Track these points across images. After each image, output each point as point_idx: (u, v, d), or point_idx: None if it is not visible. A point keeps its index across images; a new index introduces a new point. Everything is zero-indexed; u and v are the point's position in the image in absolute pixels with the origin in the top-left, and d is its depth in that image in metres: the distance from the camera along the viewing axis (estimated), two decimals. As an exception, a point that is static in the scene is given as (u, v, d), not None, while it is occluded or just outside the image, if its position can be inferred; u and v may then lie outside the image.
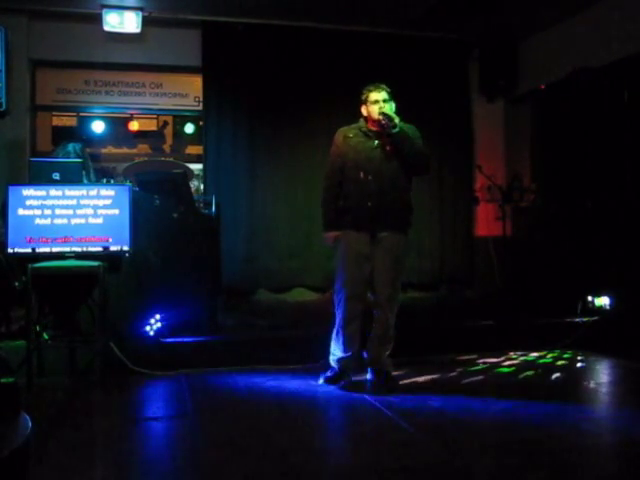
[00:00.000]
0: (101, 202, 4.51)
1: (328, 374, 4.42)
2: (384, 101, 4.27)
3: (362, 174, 4.23)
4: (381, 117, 4.20)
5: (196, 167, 7.76)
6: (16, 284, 4.77)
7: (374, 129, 4.32)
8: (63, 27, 6.81)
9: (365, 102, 4.33)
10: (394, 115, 4.22)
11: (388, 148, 4.25)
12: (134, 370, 4.55)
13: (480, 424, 3.60)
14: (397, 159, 4.25)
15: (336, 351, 4.39)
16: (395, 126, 4.17)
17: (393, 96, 4.34)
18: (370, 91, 4.31)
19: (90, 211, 4.49)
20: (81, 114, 8.53)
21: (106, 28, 6.50)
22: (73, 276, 4.42)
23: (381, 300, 4.29)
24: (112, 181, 5.85)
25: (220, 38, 7.06)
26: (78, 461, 3.06)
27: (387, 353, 4.34)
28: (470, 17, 6.90)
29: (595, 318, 5.66)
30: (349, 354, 4.35)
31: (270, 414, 3.80)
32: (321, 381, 4.41)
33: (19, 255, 4.42)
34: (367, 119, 4.36)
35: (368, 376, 4.43)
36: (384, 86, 4.33)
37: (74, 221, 4.46)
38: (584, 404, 3.97)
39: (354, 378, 4.40)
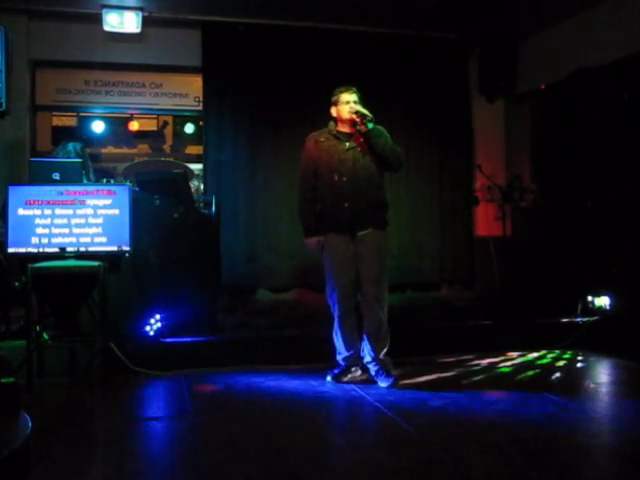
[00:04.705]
0: (101, 202, 4.51)
1: (335, 371, 4.48)
2: (355, 102, 4.32)
3: (336, 176, 4.29)
4: (355, 115, 4.27)
5: (196, 167, 7.76)
6: (16, 284, 4.77)
7: (344, 131, 4.39)
8: (63, 27, 6.80)
9: (336, 103, 4.38)
10: (367, 112, 4.27)
11: (359, 149, 4.32)
12: (134, 370, 4.55)
13: (480, 424, 3.60)
14: (370, 157, 4.32)
15: (340, 349, 4.46)
16: (371, 120, 4.24)
17: (362, 99, 4.38)
18: (341, 92, 4.36)
19: (90, 211, 4.49)
20: (81, 114, 8.52)
21: (106, 28, 6.50)
22: (73, 276, 4.42)
23: (369, 298, 4.34)
24: (112, 181, 5.85)
25: (220, 38, 7.06)
26: (78, 461, 3.06)
27: (384, 350, 4.36)
28: (470, 17, 6.90)
29: (595, 318, 5.66)
30: (352, 352, 4.44)
31: (270, 414, 3.80)
32: (329, 378, 4.46)
33: (19, 255, 4.42)
34: (337, 121, 4.41)
35: (367, 375, 4.45)
36: (355, 89, 4.38)
37: (74, 221, 4.46)
38: (584, 404, 3.96)
39: (359, 374, 4.48)
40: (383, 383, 4.30)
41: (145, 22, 6.58)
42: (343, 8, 6.66)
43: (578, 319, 5.67)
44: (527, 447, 3.24)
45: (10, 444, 2.04)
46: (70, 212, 4.46)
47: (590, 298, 5.86)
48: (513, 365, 4.98)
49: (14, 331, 4.88)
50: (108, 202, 4.52)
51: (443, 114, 7.63)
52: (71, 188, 4.52)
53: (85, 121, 8.65)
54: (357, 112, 4.27)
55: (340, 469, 3.05)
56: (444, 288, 7.72)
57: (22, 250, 4.39)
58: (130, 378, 4.49)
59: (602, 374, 4.93)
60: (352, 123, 4.33)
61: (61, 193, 4.47)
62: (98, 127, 8.48)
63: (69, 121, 9.02)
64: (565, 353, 5.31)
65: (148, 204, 5.08)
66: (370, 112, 4.29)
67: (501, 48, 7.56)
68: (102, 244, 4.49)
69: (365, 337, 4.39)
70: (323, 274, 4.49)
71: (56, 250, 4.43)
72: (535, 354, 5.26)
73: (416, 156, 7.50)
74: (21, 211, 4.40)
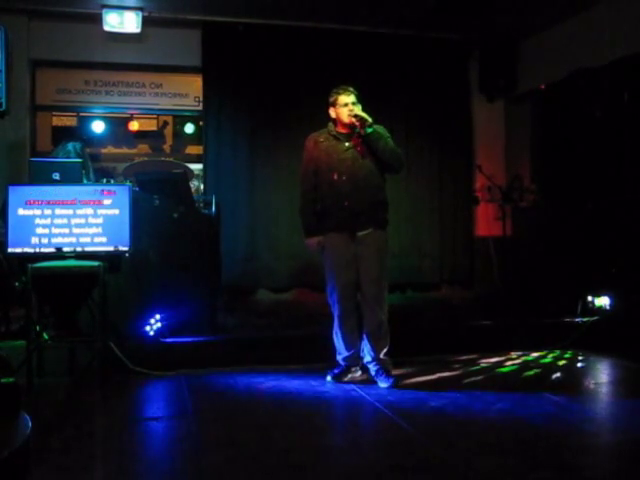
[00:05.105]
0: (101, 202, 4.51)
1: (335, 371, 4.48)
2: (353, 104, 4.31)
3: (336, 175, 4.29)
4: (354, 119, 4.27)
5: (196, 167, 7.76)
6: (16, 284, 4.77)
7: (343, 131, 4.38)
8: (63, 27, 6.81)
9: (334, 105, 4.38)
10: (367, 116, 4.26)
11: (359, 149, 4.31)
12: (134, 370, 4.55)
13: (480, 424, 3.60)
14: (370, 158, 4.32)
15: (340, 349, 4.46)
16: (370, 125, 4.23)
17: (360, 98, 4.38)
18: (339, 94, 4.36)
19: (90, 211, 4.49)
20: (81, 114, 8.53)
21: (106, 28, 6.50)
22: (73, 276, 4.42)
23: (368, 298, 4.34)
24: (112, 181, 5.85)
25: (220, 38, 7.06)
26: (78, 461, 3.06)
27: (384, 350, 4.36)
28: (470, 17, 6.90)
29: (595, 318, 5.66)
30: (352, 351, 4.44)
31: (270, 414, 3.81)
32: (329, 378, 4.46)
33: (19, 255, 4.42)
34: (336, 122, 4.41)
35: (367, 375, 4.45)
36: (352, 89, 4.38)
37: (74, 221, 4.46)
38: (584, 404, 3.96)
39: (359, 374, 4.49)
40: (383, 384, 4.30)
41: (145, 22, 6.58)
42: (343, 8, 6.66)
43: (578, 319, 5.67)
44: (527, 447, 3.24)
45: (10, 444, 2.04)
46: (70, 212, 4.46)
47: (590, 298, 5.85)
48: (513, 365, 4.98)
49: (14, 331, 4.88)
50: (108, 202, 4.52)
51: (443, 114, 7.63)
52: (71, 188, 4.52)
53: (85, 121, 8.65)
54: (356, 116, 4.27)
55: (340, 469, 3.05)
56: (444, 288, 7.72)
57: (22, 250, 4.39)
58: (130, 378, 4.48)
59: (602, 374, 4.93)
60: (351, 126, 4.33)
61: (61, 193, 4.47)
62: (98, 127, 8.48)
63: (69, 121, 9.02)
64: (565, 353, 5.31)
65: (148, 204, 5.09)
66: (369, 114, 4.29)
67: (501, 48, 7.56)
68: (102, 244, 4.49)
69: (365, 337, 4.39)
70: (323, 274, 4.49)
71: (56, 250, 4.42)
72: (535, 354, 5.26)
73: (416, 156, 7.51)
74: (21, 211, 4.40)
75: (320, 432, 3.57)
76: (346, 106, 4.30)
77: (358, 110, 4.29)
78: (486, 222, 7.67)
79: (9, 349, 4.40)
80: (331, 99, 4.39)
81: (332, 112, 4.41)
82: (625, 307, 5.65)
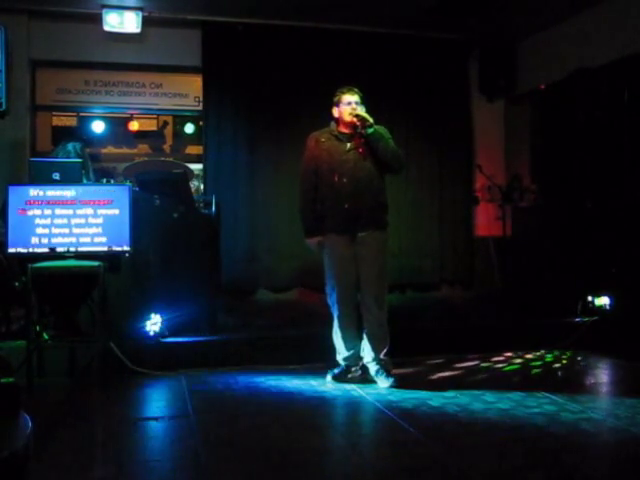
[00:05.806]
0: (101, 202, 4.51)
1: (335, 371, 4.49)
2: (356, 103, 4.32)
3: (336, 177, 4.29)
4: (355, 119, 4.27)
5: (196, 167, 7.75)
6: (16, 284, 4.77)
7: (345, 132, 4.38)
8: (63, 27, 6.80)
9: (337, 104, 4.39)
10: (368, 116, 4.26)
11: (361, 150, 4.31)
12: (134, 370, 4.55)
13: (480, 424, 3.60)
14: (371, 160, 4.32)
15: (340, 349, 4.47)
16: (371, 126, 4.24)
17: (364, 99, 4.40)
18: (343, 93, 4.37)
19: (90, 211, 4.49)
20: (81, 114, 8.53)
21: (106, 28, 6.50)
22: (73, 276, 4.42)
23: (368, 299, 4.35)
24: (112, 181, 5.85)
25: (220, 38, 7.06)
26: (78, 461, 3.06)
27: (385, 350, 4.36)
28: (470, 17, 6.90)
29: (595, 318, 5.66)
30: (352, 351, 4.45)
31: (270, 414, 3.80)
32: (329, 378, 4.46)
33: (19, 255, 4.42)
34: (338, 121, 4.42)
35: (367, 375, 4.45)
36: (357, 90, 4.39)
37: (74, 221, 4.46)
38: (584, 404, 3.96)
39: (359, 374, 4.49)
40: (383, 383, 4.30)
41: (145, 22, 6.57)
42: (343, 8, 6.66)
43: (578, 319, 5.67)
44: (527, 447, 3.24)
45: (10, 444, 2.04)
46: (70, 212, 4.46)
47: (590, 298, 5.85)
48: (513, 365, 4.98)
49: (14, 331, 4.88)
50: (108, 202, 4.52)
51: (443, 114, 7.63)
52: (71, 188, 4.52)
53: (85, 121, 8.65)
54: (357, 116, 4.27)
55: (340, 469, 3.05)
56: (444, 288, 7.72)
57: (22, 250, 4.39)
58: (130, 378, 4.49)
59: (602, 374, 4.94)
60: (352, 126, 4.33)
61: (61, 193, 4.47)
62: (98, 127, 8.48)
63: (69, 121, 9.02)
64: (565, 353, 5.32)
65: (148, 204, 5.08)
66: (370, 114, 4.29)
67: (501, 48, 7.57)
68: (102, 244, 4.49)
69: (365, 337, 4.40)
70: (323, 274, 4.49)
71: (56, 250, 4.42)
72: (535, 354, 5.26)
73: (416, 156, 7.50)
74: (21, 211, 4.40)
75: (320, 432, 3.57)
76: (349, 105, 4.31)
77: (361, 110, 4.30)
78: (486, 222, 7.67)
79: (9, 349, 4.41)
80: (335, 98, 4.40)
81: (335, 111, 4.41)
82: (625, 307, 5.65)
